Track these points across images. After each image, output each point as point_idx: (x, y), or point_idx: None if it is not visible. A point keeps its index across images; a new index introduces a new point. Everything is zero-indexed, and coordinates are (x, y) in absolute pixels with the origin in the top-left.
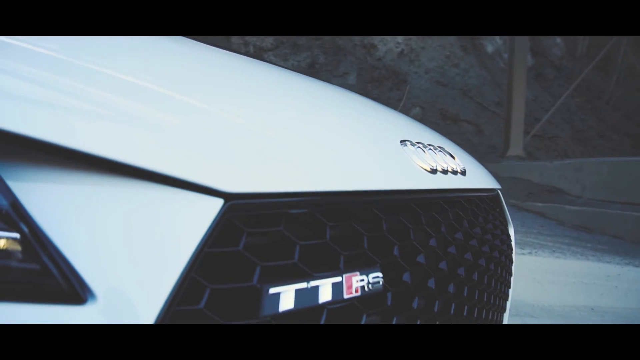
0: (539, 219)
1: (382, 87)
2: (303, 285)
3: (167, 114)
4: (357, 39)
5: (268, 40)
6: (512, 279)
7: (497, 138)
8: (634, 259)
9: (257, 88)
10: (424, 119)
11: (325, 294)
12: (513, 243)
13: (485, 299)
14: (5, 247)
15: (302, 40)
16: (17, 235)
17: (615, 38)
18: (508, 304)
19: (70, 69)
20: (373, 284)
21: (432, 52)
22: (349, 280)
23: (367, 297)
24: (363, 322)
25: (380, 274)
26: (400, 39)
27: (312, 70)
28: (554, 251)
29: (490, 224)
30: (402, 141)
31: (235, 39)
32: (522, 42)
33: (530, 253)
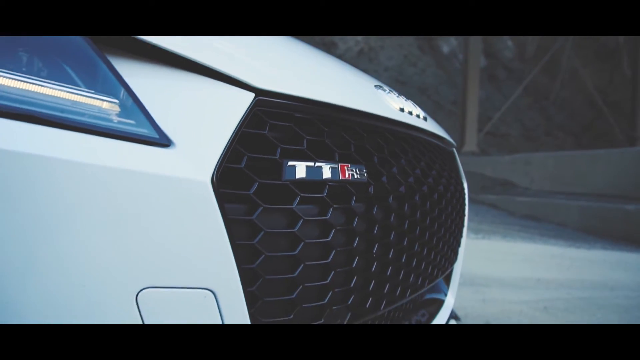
0: (492, 209)
1: None
2: (310, 164)
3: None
4: (317, 37)
5: None
6: (464, 229)
7: (453, 135)
8: (576, 242)
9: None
10: None
11: (326, 173)
12: (466, 196)
13: (436, 228)
14: (111, 108)
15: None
16: (124, 97)
17: (560, 41)
18: (461, 248)
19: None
20: (360, 174)
21: (391, 51)
22: (343, 168)
23: (355, 183)
24: (353, 203)
25: (365, 169)
26: (359, 37)
27: None
28: (505, 236)
29: (445, 172)
30: (376, 86)
31: None
32: (476, 43)
33: (483, 237)
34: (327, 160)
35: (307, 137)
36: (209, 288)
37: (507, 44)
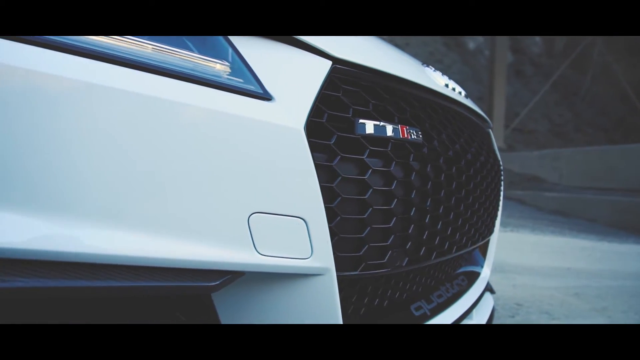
0: (519, 205)
1: None
2: (377, 123)
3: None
4: None
5: None
6: (500, 204)
7: None
8: (607, 236)
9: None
10: None
11: (389, 131)
12: (502, 174)
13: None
14: (225, 69)
15: None
16: (236, 62)
17: (590, 36)
18: (497, 221)
19: None
20: (416, 135)
21: (416, 48)
22: (402, 129)
23: (412, 143)
24: (411, 160)
25: (420, 132)
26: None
27: None
28: (533, 230)
29: (485, 146)
30: (423, 64)
31: None
32: (503, 39)
33: (511, 230)
34: (389, 121)
35: (372, 102)
36: (302, 217)
37: (534, 39)
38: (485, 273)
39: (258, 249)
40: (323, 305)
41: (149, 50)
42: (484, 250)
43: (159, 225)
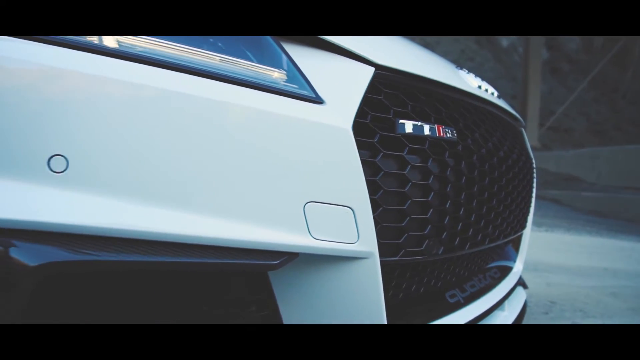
0: (555, 205)
1: None
2: (416, 122)
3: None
4: None
5: None
6: (533, 200)
7: None
8: None
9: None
10: None
11: (427, 131)
12: (534, 171)
13: (510, 189)
14: (284, 77)
15: None
16: (291, 69)
17: None
18: (529, 217)
19: None
20: (451, 134)
21: (447, 46)
22: (439, 128)
23: (448, 141)
24: (446, 156)
25: (454, 131)
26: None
27: None
28: (568, 230)
29: (517, 144)
30: (456, 67)
31: None
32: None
33: (546, 230)
34: (426, 121)
35: (410, 103)
36: (350, 206)
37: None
38: (518, 268)
39: (312, 234)
40: (367, 287)
41: (217, 62)
42: (516, 245)
43: (232, 212)
